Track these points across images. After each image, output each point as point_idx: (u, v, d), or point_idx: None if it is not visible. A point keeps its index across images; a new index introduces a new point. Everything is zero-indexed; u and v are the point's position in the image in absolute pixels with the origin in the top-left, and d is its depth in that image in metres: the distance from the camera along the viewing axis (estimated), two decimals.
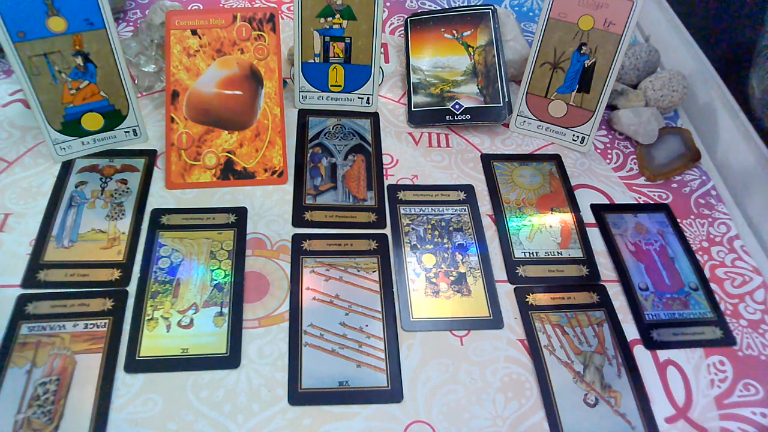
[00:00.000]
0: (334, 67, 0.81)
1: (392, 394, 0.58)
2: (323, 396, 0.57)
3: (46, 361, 0.56)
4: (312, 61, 0.80)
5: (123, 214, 0.68)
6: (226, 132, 0.74)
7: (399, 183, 0.76)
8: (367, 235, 0.70)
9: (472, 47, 0.85)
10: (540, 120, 0.83)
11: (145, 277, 0.63)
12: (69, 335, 0.58)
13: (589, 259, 0.70)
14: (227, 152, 0.74)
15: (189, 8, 0.97)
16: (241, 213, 0.70)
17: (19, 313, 0.59)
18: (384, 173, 0.77)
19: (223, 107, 0.73)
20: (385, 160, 0.79)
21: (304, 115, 0.82)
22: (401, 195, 0.74)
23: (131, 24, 0.93)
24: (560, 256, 0.70)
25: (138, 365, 0.57)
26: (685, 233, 0.75)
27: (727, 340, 0.65)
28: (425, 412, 0.57)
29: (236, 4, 1.00)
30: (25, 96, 0.68)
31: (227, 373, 0.58)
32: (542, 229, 0.73)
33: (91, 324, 0.59)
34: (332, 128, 0.81)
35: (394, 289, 0.65)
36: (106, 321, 0.59)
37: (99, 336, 0.58)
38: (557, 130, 0.83)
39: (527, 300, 0.66)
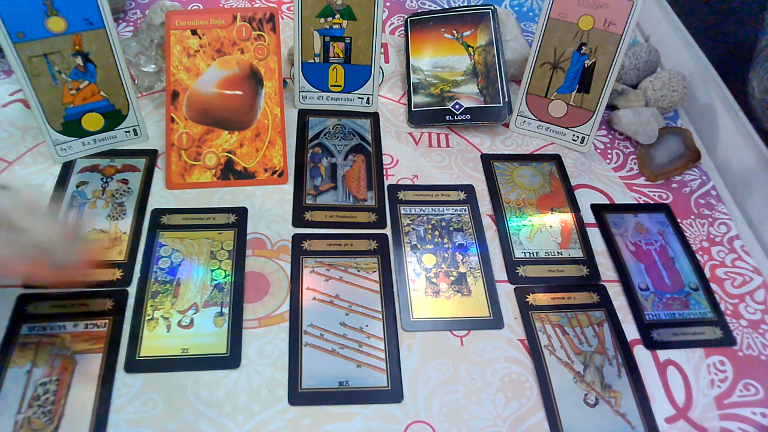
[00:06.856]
0: (334, 67, 0.81)
1: (392, 394, 0.58)
2: (323, 396, 0.57)
3: (46, 361, 0.56)
4: (312, 61, 0.80)
5: (124, 214, 0.68)
6: (227, 132, 0.74)
7: (399, 183, 0.76)
8: (367, 235, 0.70)
9: (472, 47, 0.85)
10: (540, 120, 0.83)
11: (146, 277, 0.63)
12: (69, 335, 0.58)
13: (589, 259, 0.70)
14: (227, 152, 0.74)
15: (189, 8, 0.97)
16: (241, 213, 0.70)
17: (20, 313, 0.59)
18: (384, 173, 0.77)
19: (223, 107, 0.73)
20: (385, 160, 0.79)
21: (304, 115, 0.82)
22: (401, 195, 0.74)
23: (131, 24, 0.93)
24: (560, 256, 0.70)
25: (138, 365, 0.57)
26: (685, 233, 0.75)
27: (727, 340, 0.65)
28: (425, 412, 0.57)
29: (236, 4, 1.00)
30: (26, 97, 0.68)
31: (227, 373, 0.58)
32: (542, 229, 0.73)
33: (91, 324, 0.59)
34: (332, 128, 0.81)
35: (395, 289, 0.65)
36: (107, 321, 0.59)
37: (99, 336, 0.58)
38: (557, 130, 0.83)
39: (527, 300, 0.66)
